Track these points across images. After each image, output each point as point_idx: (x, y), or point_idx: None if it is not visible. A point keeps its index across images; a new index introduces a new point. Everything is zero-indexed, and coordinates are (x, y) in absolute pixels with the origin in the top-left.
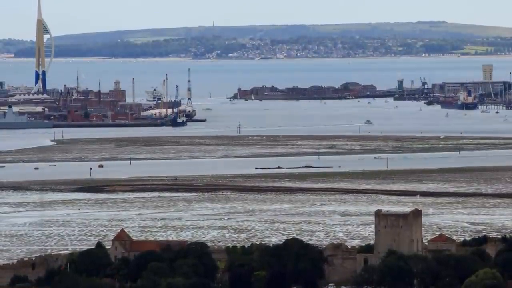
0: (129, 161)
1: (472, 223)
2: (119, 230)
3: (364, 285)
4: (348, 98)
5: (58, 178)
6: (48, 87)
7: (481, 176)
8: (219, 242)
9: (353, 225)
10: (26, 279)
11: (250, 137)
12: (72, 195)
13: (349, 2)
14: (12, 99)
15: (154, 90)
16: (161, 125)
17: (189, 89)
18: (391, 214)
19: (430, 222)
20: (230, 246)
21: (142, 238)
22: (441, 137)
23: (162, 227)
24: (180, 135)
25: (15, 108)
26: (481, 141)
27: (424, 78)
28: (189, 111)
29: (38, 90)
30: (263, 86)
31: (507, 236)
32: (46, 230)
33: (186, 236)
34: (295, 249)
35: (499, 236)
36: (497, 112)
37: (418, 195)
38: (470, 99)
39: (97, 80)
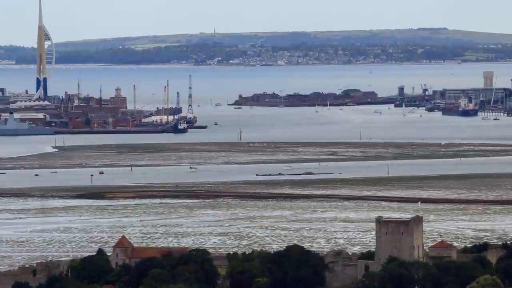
0: (130, 168)
1: (473, 230)
2: (120, 237)
3: None
4: (349, 105)
5: (59, 184)
6: (49, 93)
7: (482, 182)
8: (220, 248)
9: (354, 231)
10: (27, 285)
11: (251, 144)
12: (73, 201)
13: (350, 9)
14: (14, 105)
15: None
16: (162, 131)
17: (190, 96)
18: (392, 220)
19: (431, 229)
20: (231, 252)
21: (143, 244)
22: (442, 144)
23: (163, 233)
24: (181, 142)
25: (17, 115)
26: (482, 148)
27: (425, 84)
28: (190, 118)
29: (39, 97)
30: (264, 92)
31: (508, 242)
32: (47, 236)
33: (187, 242)
34: (296, 255)
35: (500, 243)
36: (495, 119)
37: (419, 202)
38: (471, 106)
39: (98, 86)
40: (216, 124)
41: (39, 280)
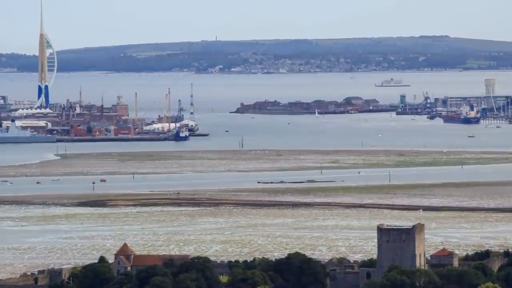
0: (132, 176)
1: (475, 238)
2: (122, 244)
3: None
4: (351, 113)
5: (61, 192)
6: (51, 101)
7: (484, 190)
8: (222, 256)
9: (356, 239)
10: None
11: (252, 151)
12: (75, 209)
13: (352, 16)
14: (15, 113)
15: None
16: (164, 139)
17: (191, 104)
18: (394, 228)
19: (433, 237)
20: (233, 260)
21: (145, 252)
22: (444, 151)
23: (164, 241)
24: (183, 150)
25: (18, 123)
26: (484, 156)
27: (426, 92)
28: (191, 126)
29: (41, 105)
30: (265, 100)
31: (510, 250)
32: (48, 244)
33: (189, 250)
34: (297, 263)
35: (501, 251)
36: (497, 127)
37: (421, 210)
38: (472, 114)
39: (100, 94)
40: (227, 131)
41: (41, 287)
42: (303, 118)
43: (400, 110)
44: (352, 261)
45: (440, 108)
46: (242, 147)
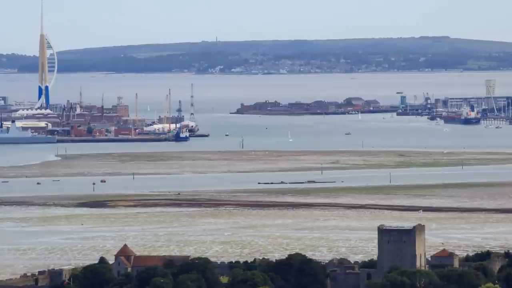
0: (132, 176)
1: (475, 238)
2: (122, 245)
3: None
4: (351, 113)
5: (61, 193)
6: (51, 102)
7: (484, 191)
8: (222, 257)
9: (356, 240)
10: None
11: (253, 152)
12: (75, 210)
13: (352, 17)
14: (16, 114)
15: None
16: (164, 140)
17: (192, 104)
18: (394, 229)
19: (433, 237)
20: (233, 261)
21: (145, 253)
22: (444, 152)
23: (165, 242)
24: (183, 150)
25: (19, 123)
26: (484, 156)
27: (427, 93)
28: (192, 126)
29: (41, 105)
30: (266, 101)
31: (510, 251)
32: (49, 245)
33: (189, 251)
34: (298, 264)
35: (502, 251)
36: (497, 127)
37: (421, 210)
38: (473, 114)
39: (100, 95)
40: (227, 135)
41: None
42: (304, 119)
43: (400, 111)
44: (352, 262)
45: (441, 109)
46: (243, 147)
